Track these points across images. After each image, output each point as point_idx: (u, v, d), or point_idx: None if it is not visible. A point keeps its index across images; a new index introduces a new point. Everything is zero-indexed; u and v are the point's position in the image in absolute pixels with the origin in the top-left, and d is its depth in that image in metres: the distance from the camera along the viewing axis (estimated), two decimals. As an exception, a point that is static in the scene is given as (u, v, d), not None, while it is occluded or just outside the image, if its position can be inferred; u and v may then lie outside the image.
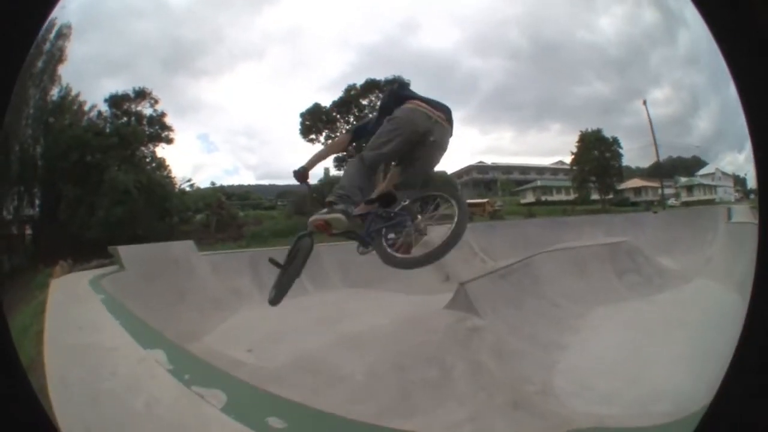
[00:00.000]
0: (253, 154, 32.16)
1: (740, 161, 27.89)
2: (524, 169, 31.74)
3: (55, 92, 19.80)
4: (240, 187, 27.87)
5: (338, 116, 27.99)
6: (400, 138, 4.01)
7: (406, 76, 25.93)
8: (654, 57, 28.63)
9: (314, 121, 27.85)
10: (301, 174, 4.78)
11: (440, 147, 4.25)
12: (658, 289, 11.03)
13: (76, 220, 18.93)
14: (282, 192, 29.29)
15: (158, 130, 23.56)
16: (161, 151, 23.59)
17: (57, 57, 19.25)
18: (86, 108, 21.56)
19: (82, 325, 6.82)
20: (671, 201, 25.38)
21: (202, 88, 28.63)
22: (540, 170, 31.71)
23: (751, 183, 23.03)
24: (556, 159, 31.69)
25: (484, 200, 26.61)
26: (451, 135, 4.30)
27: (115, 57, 23.57)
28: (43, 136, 19.80)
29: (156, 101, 23.50)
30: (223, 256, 15.82)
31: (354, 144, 4.67)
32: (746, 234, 11.20)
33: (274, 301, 5.13)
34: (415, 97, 4.22)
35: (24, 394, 2.03)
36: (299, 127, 27.62)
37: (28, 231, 19.51)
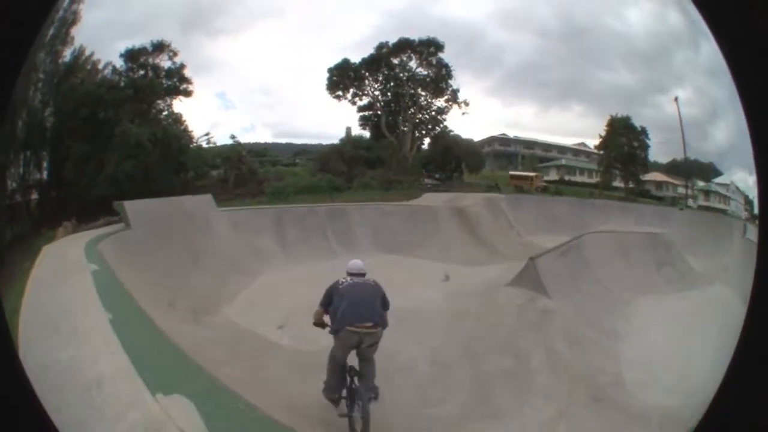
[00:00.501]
0: (270, 112, 29.27)
1: (749, 183, 28.37)
2: (546, 147, 31.24)
3: (67, 54, 18.22)
4: (257, 144, 26.78)
5: (367, 74, 26.95)
6: (343, 350, 5.82)
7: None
8: (678, 57, 28.04)
9: (342, 77, 26.57)
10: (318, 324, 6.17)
11: (374, 342, 5.78)
12: (688, 287, 11.01)
13: (84, 178, 17.34)
14: (299, 150, 28.73)
15: (176, 82, 22.01)
16: (178, 105, 22.21)
17: (70, 21, 17.70)
18: (100, 66, 19.98)
19: (58, 324, 5.26)
20: (690, 202, 25.24)
21: (220, 48, 26.84)
22: (562, 149, 31.22)
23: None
24: (578, 140, 31.45)
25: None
26: (382, 331, 5.84)
27: (130, 19, 22.25)
28: (53, 97, 18.25)
29: (175, 53, 21.75)
30: (246, 212, 14.34)
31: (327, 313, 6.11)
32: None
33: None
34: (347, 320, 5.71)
35: (23, 394, 2.03)
36: (326, 81, 26.22)
37: (34, 196, 17.64)
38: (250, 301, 9.26)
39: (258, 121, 31.09)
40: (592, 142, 30.07)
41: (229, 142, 24.10)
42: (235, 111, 27.38)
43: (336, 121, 29.00)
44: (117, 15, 20.41)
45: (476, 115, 27.18)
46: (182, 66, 21.83)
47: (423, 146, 28.31)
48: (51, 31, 16.71)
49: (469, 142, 28.88)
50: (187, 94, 22.03)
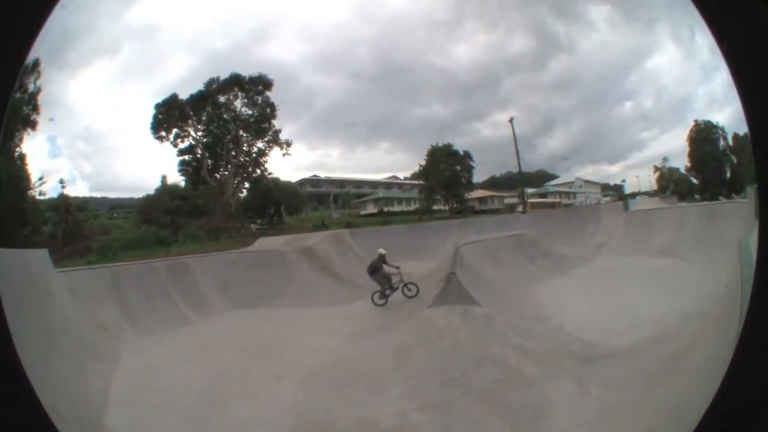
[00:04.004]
0: (89, 163, 27.82)
1: (610, 171, 36.37)
2: (357, 183, 33.00)
3: None
4: (77, 198, 24.83)
5: (192, 113, 26.64)
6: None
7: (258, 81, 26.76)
8: (507, 83, 32.98)
9: (167, 115, 26.11)
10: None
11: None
12: (571, 268, 13.10)
13: None
14: (114, 205, 28.71)
15: (29, 110, 19.72)
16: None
17: None
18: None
19: None
20: (520, 207, 29.67)
21: (62, 83, 24.31)
22: (373, 184, 33.45)
23: (631, 188, 30.20)
24: (388, 174, 34.32)
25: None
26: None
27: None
28: None
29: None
30: (80, 274, 11.59)
31: None
32: (650, 216, 16.10)
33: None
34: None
35: (24, 394, 2.02)
36: (151, 120, 25.93)
37: None
38: (128, 402, 6.49)
39: (78, 173, 29.80)
40: (403, 174, 34.46)
41: (55, 193, 22.40)
42: (61, 159, 25.58)
43: (151, 171, 29.28)
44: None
45: (283, 160, 27.83)
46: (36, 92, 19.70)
47: (242, 192, 28.23)
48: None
49: (288, 185, 29.42)
50: (34, 126, 19.69)
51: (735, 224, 10.64)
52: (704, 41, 21.81)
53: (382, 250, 12.45)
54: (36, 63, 19.23)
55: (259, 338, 9.50)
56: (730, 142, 27.33)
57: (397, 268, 12.04)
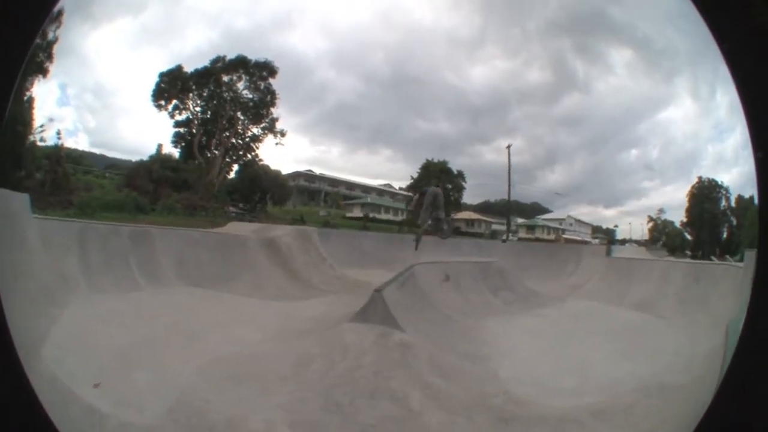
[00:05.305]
0: (94, 117, 28.02)
1: (605, 215, 35.34)
2: (351, 185, 32.68)
3: None
4: (75, 150, 25.87)
5: (194, 87, 26.64)
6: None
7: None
8: (516, 113, 32.66)
9: (169, 86, 26.18)
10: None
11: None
12: (538, 306, 11.91)
13: None
14: (111, 164, 28.71)
15: (41, 57, 19.76)
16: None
17: None
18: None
19: None
20: (507, 236, 28.97)
21: (81, 34, 24.78)
22: (366, 189, 33.05)
23: (622, 235, 29.61)
24: (384, 181, 33.85)
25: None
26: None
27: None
28: None
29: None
30: (54, 224, 11.60)
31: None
32: (633, 265, 15.26)
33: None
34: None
35: (24, 394, 2.04)
36: (153, 87, 26.05)
37: None
38: (60, 343, 6.57)
39: (81, 126, 29.18)
40: (399, 183, 33.85)
41: (53, 141, 23.09)
42: (68, 108, 25.76)
43: (151, 137, 29.92)
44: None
45: (284, 149, 27.93)
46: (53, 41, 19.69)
47: (230, 174, 28.53)
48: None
49: (277, 174, 29.31)
50: (45, 72, 19.92)
51: (724, 288, 9.51)
52: (723, 100, 21.47)
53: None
54: (60, 12, 18.97)
55: (194, 318, 9.18)
56: (733, 203, 26.45)
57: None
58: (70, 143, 25.09)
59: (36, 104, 20.49)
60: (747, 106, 1.86)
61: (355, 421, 5.31)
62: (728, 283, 9.44)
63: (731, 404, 1.91)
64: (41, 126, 21.49)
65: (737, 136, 20.94)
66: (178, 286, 11.55)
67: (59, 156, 22.72)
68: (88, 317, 7.88)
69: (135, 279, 10.96)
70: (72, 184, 23.23)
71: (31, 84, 19.37)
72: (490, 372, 7.09)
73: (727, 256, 21.86)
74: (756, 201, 1.92)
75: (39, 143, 21.73)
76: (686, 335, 8.36)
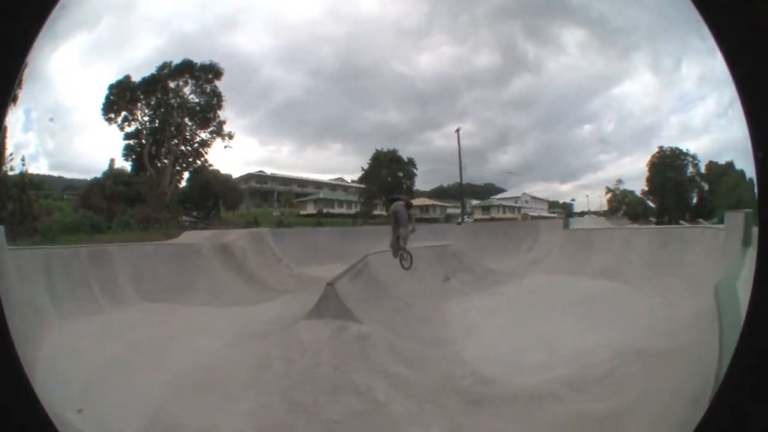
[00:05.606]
0: (52, 139, 25.84)
1: (561, 190, 35.98)
2: (303, 182, 32.19)
3: None
4: (37, 176, 25.13)
5: (142, 96, 25.84)
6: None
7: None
8: (466, 97, 32.50)
9: (118, 97, 25.21)
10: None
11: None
12: (495, 284, 11.95)
13: None
14: (68, 185, 27.98)
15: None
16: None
17: None
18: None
19: None
20: (462, 219, 28.97)
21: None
22: (318, 185, 32.63)
23: (580, 208, 29.74)
24: (335, 176, 33.34)
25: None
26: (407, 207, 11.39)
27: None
28: None
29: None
30: (23, 253, 11.29)
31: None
32: (592, 235, 15.46)
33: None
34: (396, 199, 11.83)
35: (24, 394, 2.08)
36: (103, 101, 25.11)
37: None
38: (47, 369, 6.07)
39: (41, 150, 26.96)
40: (351, 176, 33.46)
41: (19, 169, 22.13)
42: (31, 133, 23.97)
43: (104, 153, 27.49)
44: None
45: (233, 152, 27.57)
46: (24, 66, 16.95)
47: (182, 183, 27.51)
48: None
49: (227, 178, 28.78)
50: (15, 99, 16.71)
51: (700, 250, 9.51)
52: (691, 71, 21.85)
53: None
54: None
55: (155, 333, 8.89)
56: (703, 170, 26.88)
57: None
58: (32, 169, 24.20)
59: (8, 133, 18.59)
60: (747, 105, 1.86)
61: (320, 419, 5.21)
62: (706, 245, 9.42)
63: (731, 402, 1.88)
64: (11, 155, 20.56)
65: (709, 105, 21.42)
66: (137, 303, 11.20)
67: (24, 183, 22.04)
68: (62, 345, 7.51)
69: (97, 301, 10.59)
70: (35, 210, 22.56)
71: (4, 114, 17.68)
72: (455, 355, 7.04)
73: (700, 220, 22.36)
74: (756, 201, 1.89)
75: (9, 173, 20.82)
76: (659, 300, 8.36)
